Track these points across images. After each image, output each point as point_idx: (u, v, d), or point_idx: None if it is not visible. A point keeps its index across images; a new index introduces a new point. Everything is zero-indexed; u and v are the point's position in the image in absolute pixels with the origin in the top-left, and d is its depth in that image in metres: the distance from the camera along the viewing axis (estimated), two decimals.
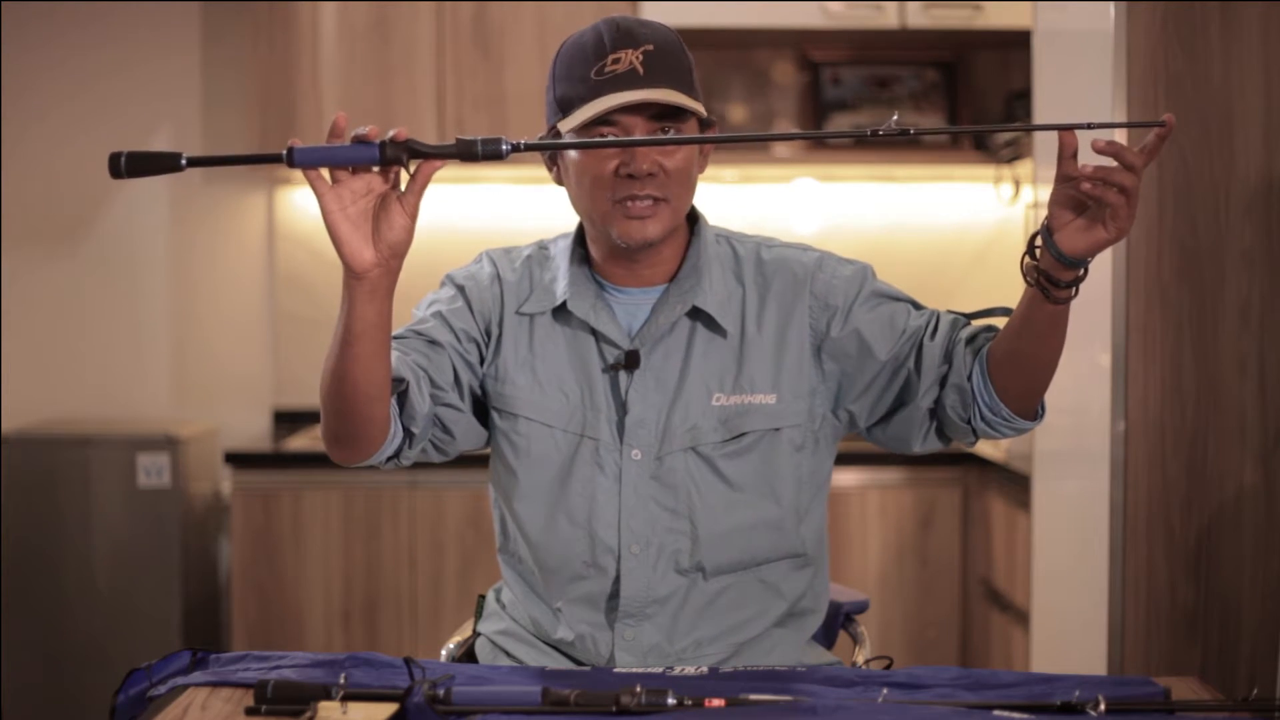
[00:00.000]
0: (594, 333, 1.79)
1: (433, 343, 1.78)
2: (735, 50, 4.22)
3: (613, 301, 1.80)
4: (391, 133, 1.47)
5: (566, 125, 1.70)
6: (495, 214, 4.25)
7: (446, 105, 3.91)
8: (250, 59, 3.97)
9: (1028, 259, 1.59)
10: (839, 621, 2.00)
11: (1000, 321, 1.71)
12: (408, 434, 1.73)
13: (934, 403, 1.75)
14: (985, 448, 3.61)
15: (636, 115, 1.69)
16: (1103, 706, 1.43)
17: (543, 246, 1.87)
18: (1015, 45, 3.76)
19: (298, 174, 4.42)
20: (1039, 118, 2.95)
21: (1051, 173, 1.55)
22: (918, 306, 1.81)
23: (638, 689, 1.44)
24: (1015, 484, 3.35)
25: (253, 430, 4.26)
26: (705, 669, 1.64)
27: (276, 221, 4.28)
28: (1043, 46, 2.94)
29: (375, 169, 1.50)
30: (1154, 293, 2.46)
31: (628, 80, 1.68)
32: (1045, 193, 2.45)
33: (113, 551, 3.86)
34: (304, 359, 4.23)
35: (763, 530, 1.78)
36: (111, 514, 3.86)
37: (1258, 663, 2.42)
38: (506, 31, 3.92)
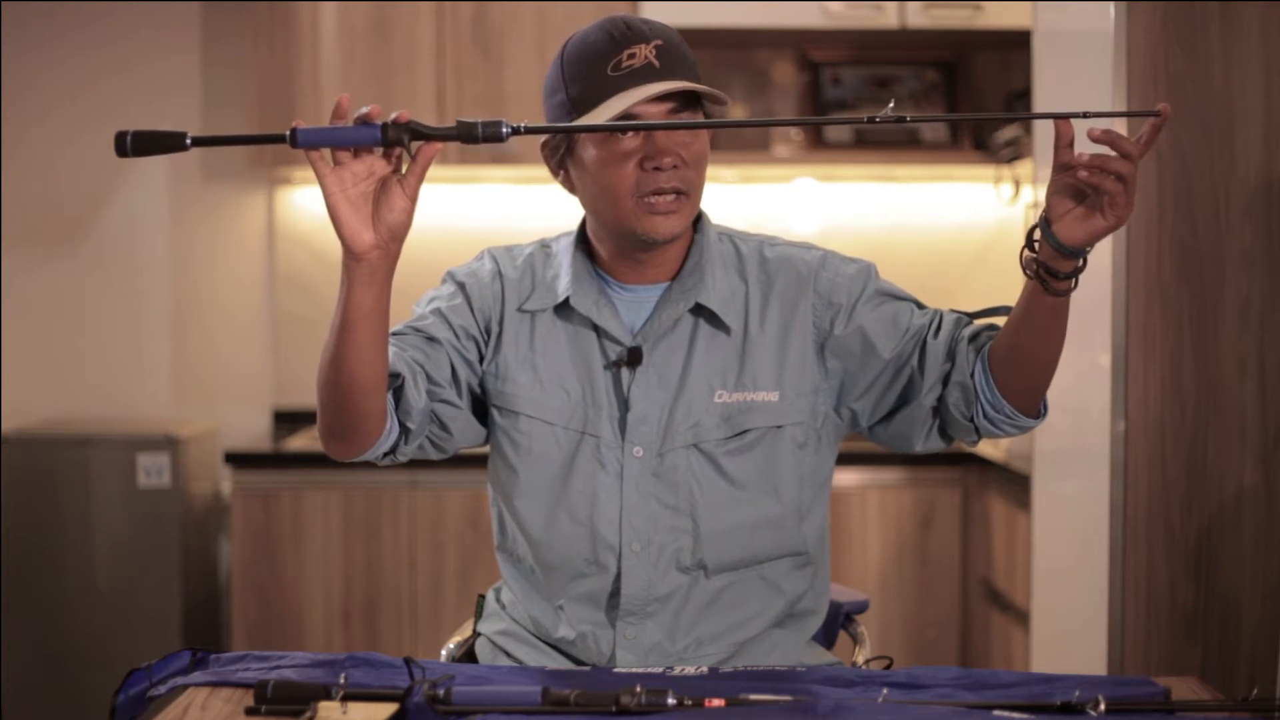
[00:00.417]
0: (596, 329, 1.79)
1: (431, 339, 1.78)
2: (735, 50, 4.22)
3: (615, 298, 1.80)
4: (394, 115, 1.48)
5: (588, 123, 1.69)
6: (495, 214, 4.25)
7: (446, 105, 3.91)
8: (250, 59, 3.97)
9: (1027, 251, 1.59)
10: (839, 621, 2.00)
11: (1003, 320, 1.71)
12: (404, 430, 1.73)
13: (937, 401, 1.75)
14: (985, 448, 3.61)
15: (656, 108, 1.69)
16: (1103, 706, 1.43)
17: (545, 245, 1.87)
18: (1015, 45, 3.76)
19: (298, 173, 4.43)
20: None
21: (1050, 171, 1.55)
22: (921, 306, 1.81)
23: (638, 689, 1.44)
24: (1015, 484, 3.35)
25: (253, 430, 4.26)
26: (705, 669, 1.64)
27: (276, 221, 4.28)
28: (1043, 46, 2.94)
29: (378, 151, 1.51)
30: (1154, 293, 2.46)
31: (645, 74, 1.68)
32: (1045, 192, 2.45)
33: (113, 551, 3.86)
34: (304, 359, 4.23)
35: (764, 528, 1.78)
36: (111, 514, 3.86)
37: (1258, 663, 2.42)
38: (506, 31, 3.92)
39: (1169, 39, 2.44)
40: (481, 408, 1.84)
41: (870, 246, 4.14)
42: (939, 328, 1.76)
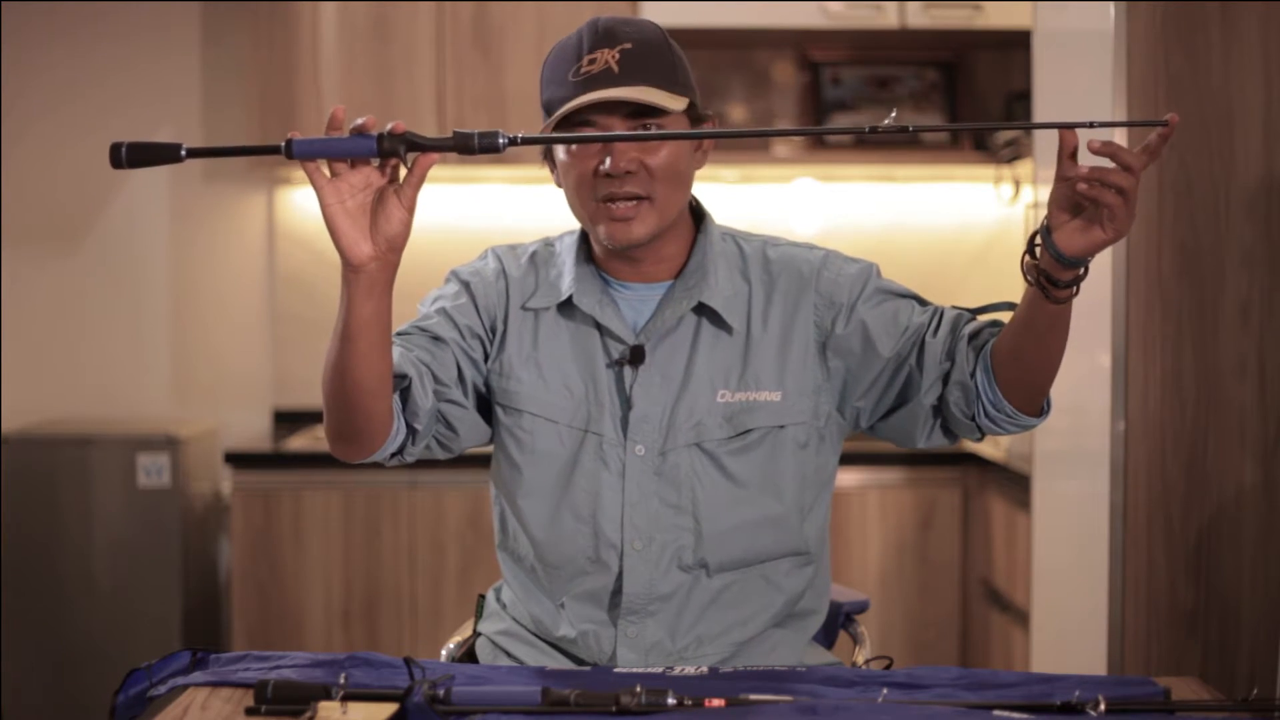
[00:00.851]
0: (599, 328, 1.79)
1: (436, 339, 1.78)
2: (735, 50, 4.22)
3: (618, 297, 1.80)
4: (389, 126, 1.48)
5: (548, 127, 1.71)
6: (495, 214, 4.25)
7: (446, 105, 3.91)
8: (250, 59, 3.97)
9: (1028, 258, 1.59)
10: (839, 621, 2.00)
11: (1005, 316, 1.71)
12: (411, 430, 1.74)
13: (937, 399, 1.75)
14: (985, 448, 3.61)
15: (613, 114, 1.70)
16: (1103, 706, 1.43)
17: (549, 243, 1.87)
18: (1015, 45, 3.76)
19: (298, 173, 4.43)
20: (1039, 118, 2.95)
21: (1051, 172, 1.54)
22: (923, 303, 1.81)
23: (638, 689, 1.44)
24: (1015, 484, 3.35)
25: (253, 430, 4.26)
26: (705, 669, 1.64)
27: (276, 221, 4.28)
28: (1043, 46, 2.94)
29: (374, 163, 1.50)
30: (1154, 293, 2.46)
31: (602, 80, 1.69)
32: (1045, 193, 2.45)
33: (113, 551, 3.86)
34: (304, 359, 4.23)
35: (766, 528, 1.78)
36: (111, 514, 3.86)
37: (1258, 663, 2.42)
38: (506, 31, 3.92)
39: (1169, 39, 2.44)
40: (487, 406, 1.84)
41: (870, 246, 4.14)
42: (938, 326, 1.76)
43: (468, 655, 1.92)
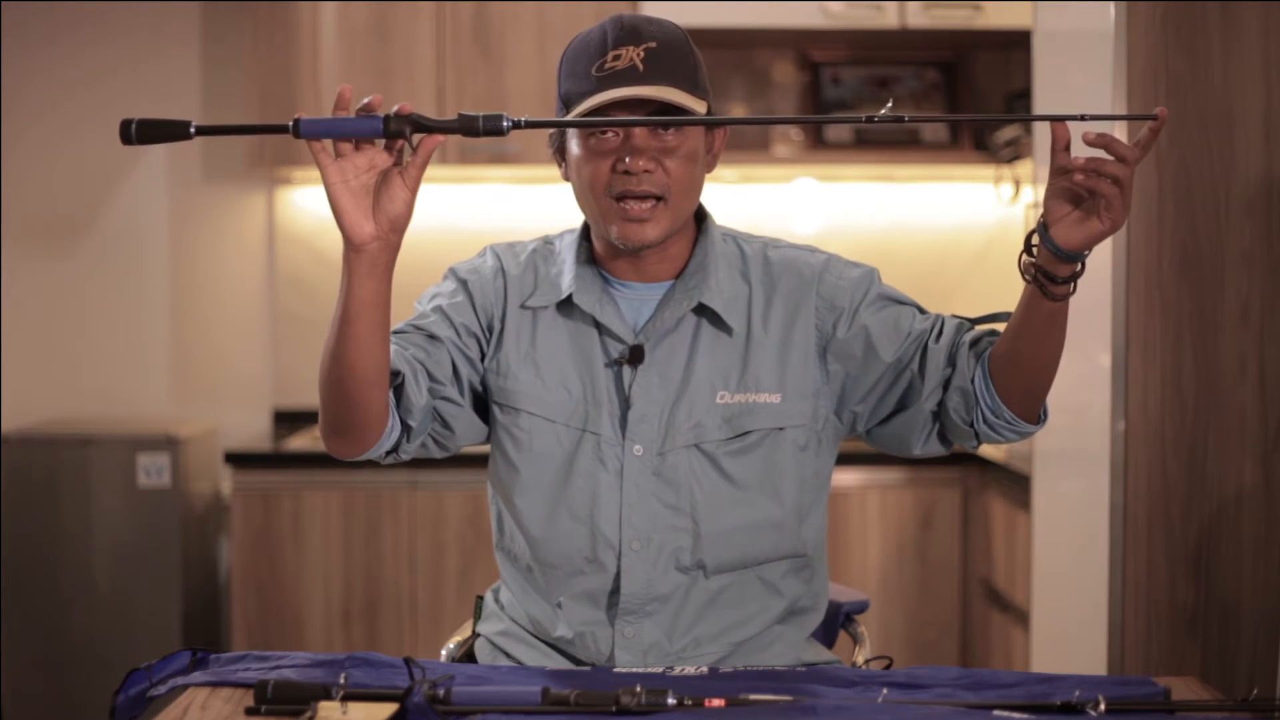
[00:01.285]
0: (598, 327, 1.79)
1: (432, 337, 1.78)
2: (735, 50, 4.22)
3: (618, 296, 1.80)
4: (396, 107, 1.49)
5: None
6: (496, 214, 4.25)
7: (446, 105, 3.91)
8: (250, 59, 3.97)
9: (1025, 256, 1.59)
10: (839, 621, 2.00)
11: (1004, 326, 1.71)
12: (405, 428, 1.74)
13: (937, 405, 1.75)
14: (986, 448, 3.61)
15: (634, 113, 1.69)
16: (1103, 706, 1.43)
17: (548, 241, 1.87)
18: (1015, 45, 3.77)
19: (298, 173, 4.43)
20: None
21: None
22: (923, 311, 1.81)
23: (638, 689, 1.44)
24: (1015, 484, 3.35)
25: (253, 430, 4.26)
26: (705, 669, 1.64)
27: (276, 221, 4.28)
28: (1043, 46, 2.94)
29: (379, 144, 1.52)
30: (1154, 293, 2.46)
31: (627, 77, 1.68)
32: (1044, 191, 2.45)
33: (113, 551, 3.86)
34: (304, 359, 4.23)
35: (764, 530, 1.78)
36: (111, 514, 3.86)
37: (1258, 663, 2.42)
38: (506, 31, 3.92)
39: (1169, 39, 2.44)
40: (484, 405, 1.84)
41: (870, 246, 4.16)
42: (940, 332, 1.76)
43: (467, 656, 1.92)
